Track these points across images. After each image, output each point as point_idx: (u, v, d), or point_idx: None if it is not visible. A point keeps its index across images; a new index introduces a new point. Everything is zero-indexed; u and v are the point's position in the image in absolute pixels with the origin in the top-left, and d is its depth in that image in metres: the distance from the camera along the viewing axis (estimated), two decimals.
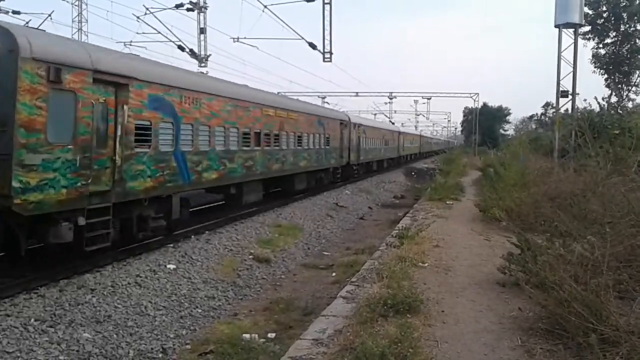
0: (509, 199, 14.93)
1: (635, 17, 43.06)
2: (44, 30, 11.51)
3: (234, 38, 31.78)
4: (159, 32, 28.31)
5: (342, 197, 27.56)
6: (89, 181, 10.49)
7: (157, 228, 13.36)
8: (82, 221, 10.44)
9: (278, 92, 30.69)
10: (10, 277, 9.92)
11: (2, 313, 8.54)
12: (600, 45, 45.31)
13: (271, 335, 9.55)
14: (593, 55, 45.57)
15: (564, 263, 6.92)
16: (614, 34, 44.64)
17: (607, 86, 45.63)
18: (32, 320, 8.45)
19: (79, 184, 10.26)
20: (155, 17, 27.91)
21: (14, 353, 7.57)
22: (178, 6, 28.35)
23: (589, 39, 44.57)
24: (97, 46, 12.61)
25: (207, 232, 15.57)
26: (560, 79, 23.62)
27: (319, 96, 64.51)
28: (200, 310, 10.79)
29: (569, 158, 21.20)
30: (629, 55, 44.69)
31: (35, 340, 7.98)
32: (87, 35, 36.43)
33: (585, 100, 32.88)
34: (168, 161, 13.33)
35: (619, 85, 45.50)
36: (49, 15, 28.06)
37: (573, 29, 23.92)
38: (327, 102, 62.36)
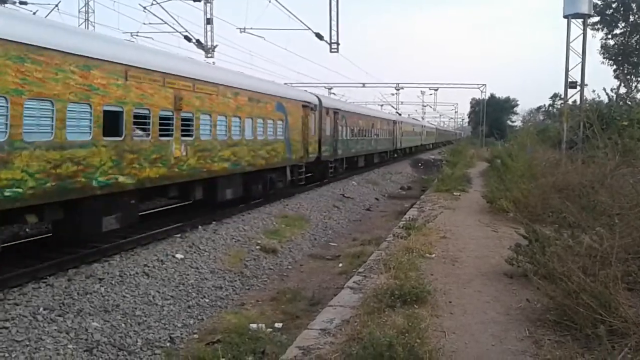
0: (516, 190, 14.88)
1: None
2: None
3: (240, 28, 31.78)
4: (166, 23, 28.28)
5: (348, 188, 27.56)
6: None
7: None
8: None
9: (285, 83, 30.66)
10: (18, 266, 10.00)
11: (11, 302, 8.60)
12: (609, 36, 44.96)
13: (278, 325, 9.58)
14: (602, 46, 45.26)
15: (572, 254, 6.89)
16: (623, 24, 44.27)
17: (616, 77, 45.33)
18: (41, 309, 8.51)
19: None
20: (162, 7, 27.91)
21: (23, 342, 7.62)
22: None
23: (597, 30, 44.23)
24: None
25: (214, 222, 15.62)
26: (569, 69, 23.47)
27: (325, 87, 64.32)
28: (207, 300, 10.84)
29: (577, 149, 21.08)
30: (638, 46, 44.31)
31: (44, 329, 8.04)
32: (94, 26, 36.34)
33: (593, 91, 32.71)
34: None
35: (628, 76, 45.16)
36: (56, 5, 28.03)
37: (582, 20, 23.73)
38: (333, 93, 62.18)
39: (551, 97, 59.61)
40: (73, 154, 10.02)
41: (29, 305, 8.58)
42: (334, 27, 28.82)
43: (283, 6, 27.96)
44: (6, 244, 11.62)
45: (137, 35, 30.65)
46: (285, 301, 10.98)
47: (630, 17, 43.70)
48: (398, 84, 71.15)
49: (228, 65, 27.22)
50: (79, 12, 36.79)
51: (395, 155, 50.04)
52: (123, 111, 11.48)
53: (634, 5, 43.00)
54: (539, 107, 72.22)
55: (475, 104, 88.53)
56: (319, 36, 29.02)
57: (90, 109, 10.50)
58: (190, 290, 10.93)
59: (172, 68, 13.53)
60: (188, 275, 11.51)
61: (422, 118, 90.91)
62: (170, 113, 13.27)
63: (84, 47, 10.50)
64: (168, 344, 8.84)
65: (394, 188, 33.00)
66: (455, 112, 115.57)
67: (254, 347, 8.27)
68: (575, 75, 23.56)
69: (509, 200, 14.38)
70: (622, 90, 42.06)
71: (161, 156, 12.86)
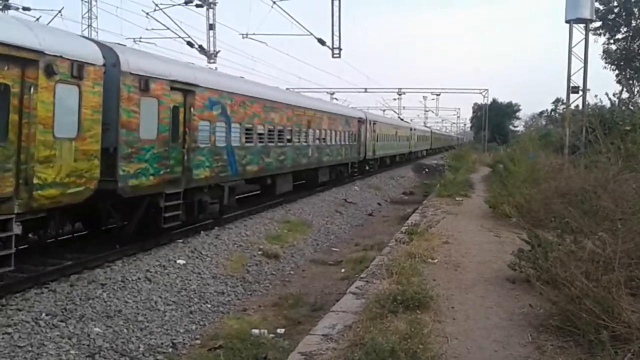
0: (518, 195, 14.85)
1: None
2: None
3: (243, 34, 31.85)
4: (168, 29, 28.39)
5: (350, 193, 27.54)
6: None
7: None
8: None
9: (287, 88, 30.68)
10: (20, 272, 10.00)
11: (13, 307, 8.61)
12: (611, 41, 44.91)
13: (280, 330, 9.57)
14: (604, 51, 45.19)
15: (575, 259, 6.88)
16: (625, 29, 44.22)
17: (618, 82, 45.21)
18: (43, 314, 8.52)
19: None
20: (165, 13, 27.96)
21: (26, 347, 7.62)
22: (187, 2, 28.38)
23: (599, 35, 44.17)
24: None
25: (216, 227, 15.61)
26: (571, 74, 23.48)
27: (327, 92, 64.43)
28: (209, 306, 10.83)
29: (580, 154, 21.04)
30: None
31: (47, 335, 8.04)
32: (96, 32, 36.41)
33: (596, 96, 32.76)
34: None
35: (630, 81, 45.00)
36: (59, 11, 28.15)
37: (584, 25, 23.75)
38: (335, 98, 62.29)
39: (553, 102, 59.72)
40: None
41: (31, 310, 8.58)
42: (336, 33, 28.84)
43: (285, 12, 28.06)
44: None
45: (139, 41, 30.80)
46: (288, 307, 10.96)
47: (633, 22, 43.68)
48: (400, 89, 71.19)
49: (230, 71, 26.98)
50: (82, 17, 36.90)
51: (367, 167, 36.79)
52: None
53: (636, 10, 42.99)
54: (541, 112, 72.26)
55: (478, 108, 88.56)
56: (321, 42, 29.06)
57: None
58: (192, 296, 10.92)
59: None
60: (190, 280, 11.51)
61: (424, 123, 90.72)
62: None
63: None
64: (170, 350, 8.83)
65: (396, 193, 32.98)
66: (458, 117, 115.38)
67: (256, 353, 8.26)
68: (577, 80, 23.61)
69: (511, 206, 14.34)
70: (625, 95, 42.01)
71: None
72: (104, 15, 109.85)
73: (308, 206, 21.74)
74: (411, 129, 57.03)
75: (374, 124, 37.19)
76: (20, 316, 8.31)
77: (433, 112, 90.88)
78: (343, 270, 13.76)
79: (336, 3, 28.11)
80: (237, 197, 18.01)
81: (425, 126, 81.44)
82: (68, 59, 9.91)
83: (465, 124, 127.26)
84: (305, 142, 23.53)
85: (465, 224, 14.93)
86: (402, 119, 63.70)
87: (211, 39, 30.03)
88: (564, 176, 15.51)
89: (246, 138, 17.37)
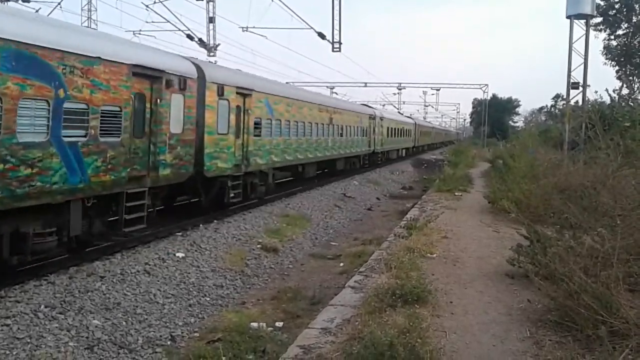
0: (518, 190, 14.87)
1: None
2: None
3: (243, 27, 31.77)
4: (168, 21, 28.20)
5: (350, 188, 27.54)
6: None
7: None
8: None
9: (287, 82, 30.52)
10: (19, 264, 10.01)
11: (12, 299, 8.61)
12: (612, 37, 44.95)
13: (279, 324, 9.57)
14: (604, 47, 45.23)
15: (573, 255, 6.90)
16: (626, 25, 44.23)
17: (619, 78, 45.25)
18: (42, 306, 8.52)
19: None
20: (165, 5, 27.82)
21: (24, 339, 7.63)
22: None
23: (600, 31, 44.21)
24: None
25: (215, 221, 15.61)
26: (571, 70, 23.42)
27: (327, 86, 64.33)
28: (208, 299, 10.83)
29: (579, 150, 21.02)
30: None
31: (45, 327, 8.05)
32: (96, 24, 36.32)
33: (596, 92, 32.76)
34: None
35: (631, 77, 45.02)
36: (59, 3, 28.00)
37: (584, 20, 23.69)
38: (335, 93, 62.17)
39: (553, 98, 59.79)
40: None
41: (30, 302, 8.59)
42: (336, 27, 28.81)
43: (286, 5, 27.96)
44: None
45: (139, 34, 30.67)
46: (286, 300, 10.97)
47: (633, 18, 43.68)
48: (400, 83, 71.13)
49: (231, 65, 26.65)
50: (82, 10, 36.78)
51: (203, 195, 15.92)
52: None
53: (636, 7, 42.98)
54: (541, 108, 72.40)
55: (477, 104, 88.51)
56: (321, 35, 29.00)
57: None
58: (191, 289, 10.92)
59: None
60: (189, 273, 11.51)
61: (424, 118, 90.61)
62: None
63: None
64: (169, 343, 8.83)
65: (395, 188, 32.97)
66: (457, 112, 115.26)
67: (254, 346, 8.27)
68: (577, 76, 23.54)
69: (510, 201, 14.36)
70: (625, 91, 41.95)
71: None
72: (103, 7, 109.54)
73: (307, 200, 21.75)
74: (372, 117, 37.31)
75: (245, 96, 17.27)
76: (19, 308, 8.32)
77: (433, 107, 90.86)
78: (342, 264, 13.76)
79: None
80: None
81: (409, 117, 60.89)
82: None
83: (464, 119, 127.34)
84: None
85: (464, 219, 14.95)
86: (401, 113, 62.80)
87: (211, 32, 29.98)
88: (563, 172, 15.53)
89: None
